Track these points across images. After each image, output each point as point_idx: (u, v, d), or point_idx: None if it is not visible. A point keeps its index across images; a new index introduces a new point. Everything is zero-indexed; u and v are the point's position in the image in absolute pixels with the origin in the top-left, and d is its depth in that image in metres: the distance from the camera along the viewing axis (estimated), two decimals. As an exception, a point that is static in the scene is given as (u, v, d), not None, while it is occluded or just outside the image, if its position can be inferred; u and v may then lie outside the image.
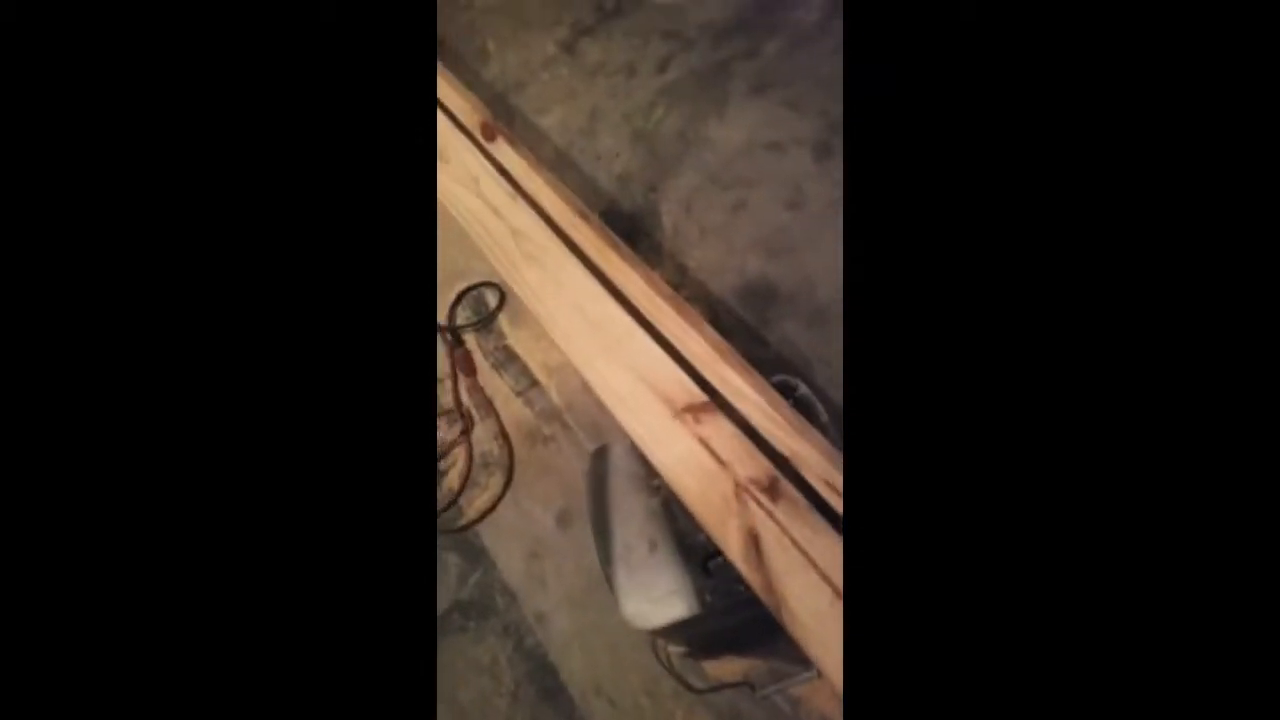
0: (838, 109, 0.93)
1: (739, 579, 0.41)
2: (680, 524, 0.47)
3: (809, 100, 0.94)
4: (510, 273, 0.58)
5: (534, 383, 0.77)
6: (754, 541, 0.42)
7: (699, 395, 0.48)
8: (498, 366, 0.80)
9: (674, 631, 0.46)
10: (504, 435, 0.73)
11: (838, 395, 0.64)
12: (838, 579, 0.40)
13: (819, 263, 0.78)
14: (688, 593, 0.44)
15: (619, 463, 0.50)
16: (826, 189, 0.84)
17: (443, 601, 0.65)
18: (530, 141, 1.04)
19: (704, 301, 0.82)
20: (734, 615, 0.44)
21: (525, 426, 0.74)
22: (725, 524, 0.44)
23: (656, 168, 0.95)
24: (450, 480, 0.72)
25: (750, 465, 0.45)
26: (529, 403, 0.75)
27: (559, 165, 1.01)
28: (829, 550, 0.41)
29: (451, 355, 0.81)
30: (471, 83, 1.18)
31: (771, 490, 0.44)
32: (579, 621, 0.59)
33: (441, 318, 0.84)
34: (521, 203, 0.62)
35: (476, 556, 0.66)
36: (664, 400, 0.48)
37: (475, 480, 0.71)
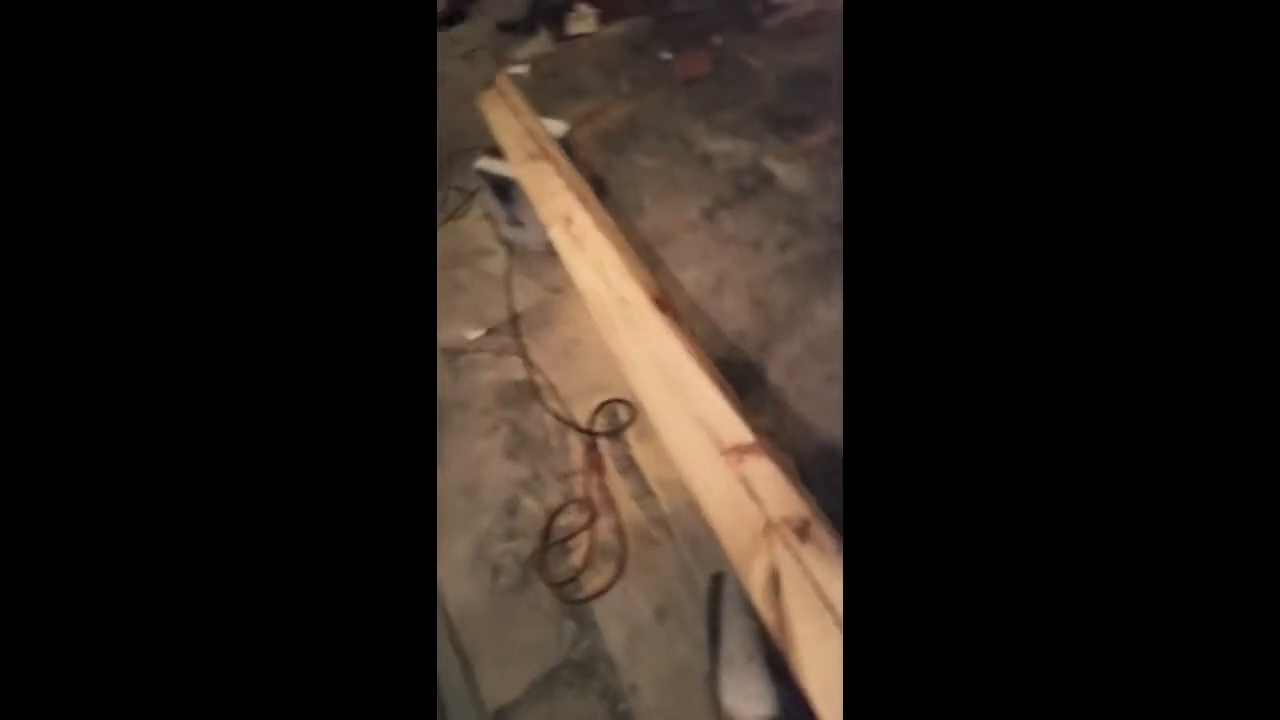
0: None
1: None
2: (772, 645, 0.64)
3: (903, 299, 1.15)
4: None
5: (649, 492, 0.97)
6: (775, 579, 0.44)
7: (746, 436, 0.52)
8: (622, 471, 1.00)
9: (753, 724, 0.62)
10: (621, 531, 0.92)
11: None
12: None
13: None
14: (771, 699, 0.60)
15: (731, 589, 0.68)
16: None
17: (555, 659, 0.82)
18: (670, 287, 1.30)
19: (793, 452, 1.00)
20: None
21: (638, 527, 0.93)
22: (751, 559, 0.45)
23: (768, 332, 1.17)
24: (575, 559, 0.91)
25: (784, 505, 0.47)
26: (643, 508, 0.95)
27: (690, 315, 1.25)
28: (833, 569, 0.42)
29: (587, 454, 1.02)
30: (628, 230, 1.48)
31: (801, 531, 0.46)
32: (663, 698, 0.75)
33: (584, 423, 1.06)
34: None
35: (588, 628, 0.84)
36: (713, 440, 0.53)
37: (594, 564, 0.90)
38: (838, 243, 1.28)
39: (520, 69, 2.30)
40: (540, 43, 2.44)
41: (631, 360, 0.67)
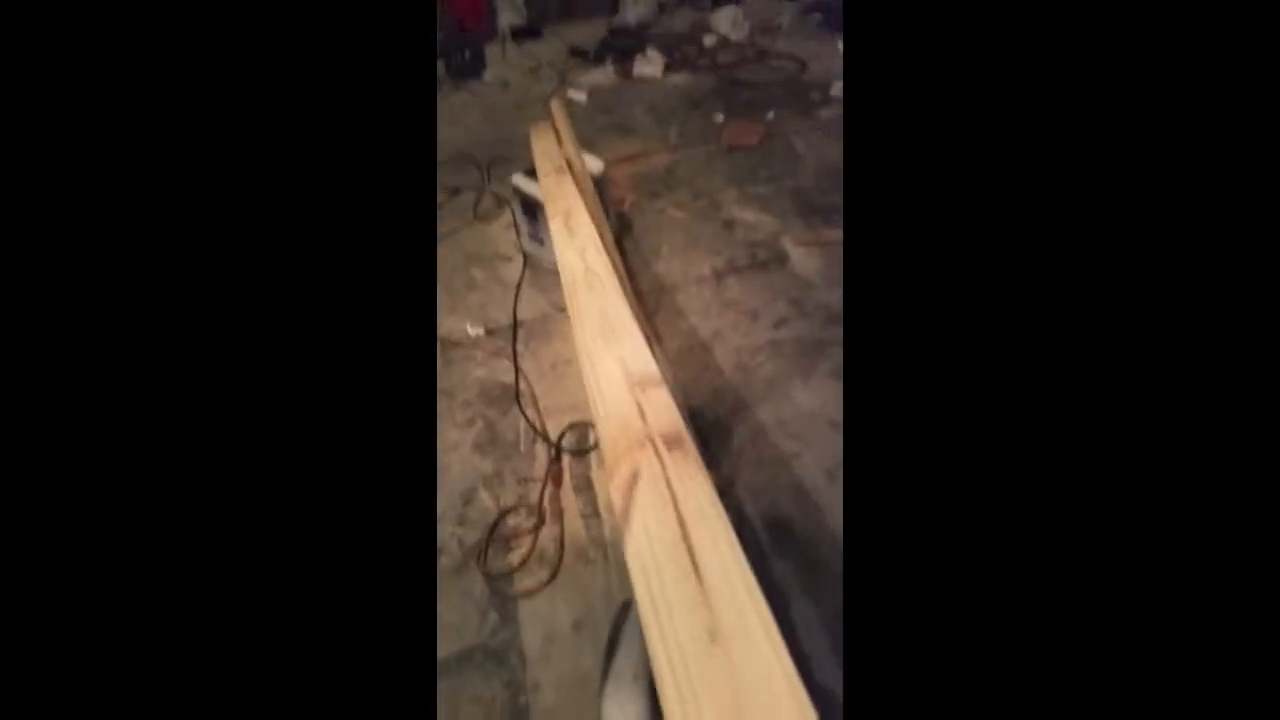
0: (890, 413, 1.21)
1: None
2: (663, 669, 0.71)
3: (871, 398, 1.24)
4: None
5: (596, 513, 1.04)
6: (635, 476, 0.49)
7: (655, 375, 0.61)
8: (577, 489, 1.08)
9: (627, 739, 0.68)
10: (562, 543, 0.99)
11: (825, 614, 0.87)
12: (689, 515, 0.46)
13: (828, 526, 1.03)
14: (648, 716, 0.67)
15: (637, 615, 0.75)
16: (856, 472, 1.11)
17: (473, 641, 0.88)
18: (666, 332, 1.39)
19: (734, 513, 1.07)
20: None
21: (578, 544, 1.00)
22: (620, 462, 0.51)
23: (744, 397, 1.25)
24: (513, 558, 0.97)
25: (666, 427, 0.53)
26: (588, 527, 1.02)
27: (678, 360, 1.34)
28: (695, 491, 0.47)
29: (549, 466, 1.10)
30: (640, 270, 1.58)
31: (671, 442, 0.52)
32: (560, 702, 0.81)
33: (553, 436, 1.14)
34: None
35: (510, 622, 0.90)
36: (626, 374, 0.61)
37: (529, 567, 0.96)
38: (828, 333, 1.38)
39: (580, 95, 2.44)
40: (605, 75, 2.58)
41: (581, 312, 0.78)
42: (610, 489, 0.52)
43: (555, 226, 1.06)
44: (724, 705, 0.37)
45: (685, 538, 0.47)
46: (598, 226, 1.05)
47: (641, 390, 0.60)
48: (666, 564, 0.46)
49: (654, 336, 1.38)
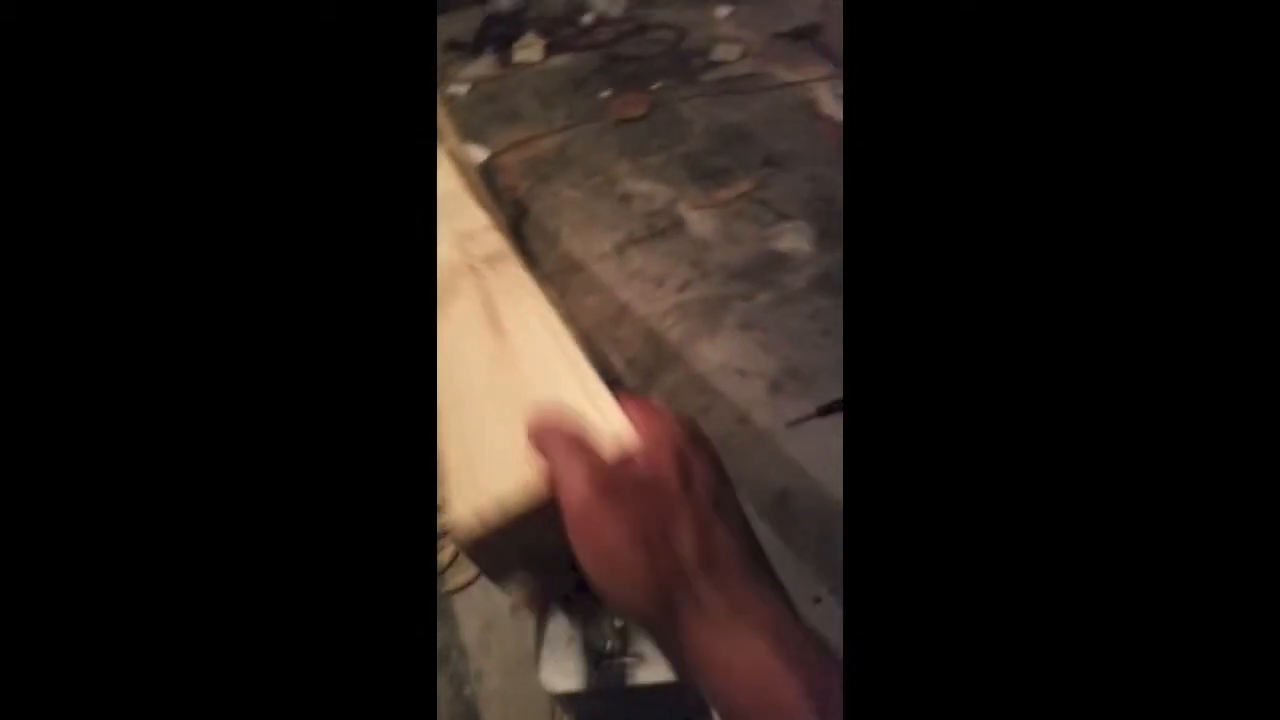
0: (797, 356, 1.27)
1: (623, 681, 0.65)
2: (593, 637, 0.72)
3: (777, 345, 1.29)
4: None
5: (523, 500, 1.04)
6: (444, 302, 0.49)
7: (483, 222, 0.60)
8: (500, 479, 1.08)
9: (567, 702, 0.70)
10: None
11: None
12: (498, 304, 0.46)
13: (747, 467, 1.07)
14: (582, 675, 0.68)
15: (565, 579, 0.77)
16: (768, 416, 1.15)
17: (411, 646, 0.88)
18: (571, 314, 1.39)
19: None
20: (611, 700, 0.68)
21: (507, 531, 1.00)
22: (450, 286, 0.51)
23: (655, 362, 1.28)
24: (442, 558, 0.97)
25: (489, 248, 0.53)
26: (515, 514, 1.02)
27: (590, 338, 1.35)
28: (510, 278, 0.49)
29: (470, 461, 1.09)
30: (543, 254, 1.57)
31: (495, 259, 0.53)
32: (505, 685, 0.82)
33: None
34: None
35: (446, 619, 0.90)
36: (457, 233, 0.59)
37: (459, 563, 0.96)
38: (730, 289, 1.42)
39: (460, 89, 2.38)
40: (485, 65, 2.53)
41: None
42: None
43: None
44: (502, 404, 0.37)
45: (489, 305, 0.47)
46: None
47: (469, 238, 0.58)
48: (467, 326, 0.46)
49: (565, 317, 1.38)
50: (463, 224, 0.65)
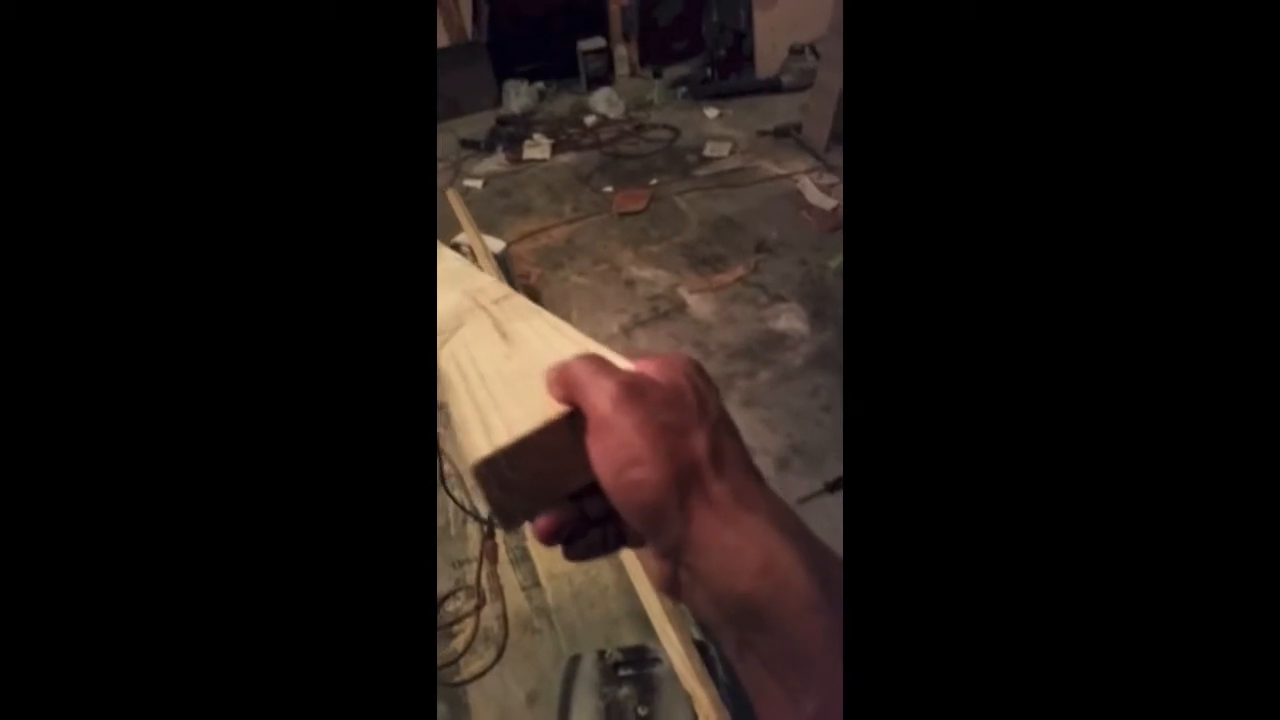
0: (801, 433, 1.31)
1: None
2: (614, 721, 0.72)
3: (781, 422, 1.33)
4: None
5: (538, 583, 1.04)
6: (458, 328, 0.48)
7: (492, 281, 0.58)
8: (514, 562, 1.08)
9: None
10: (505, 619, 0.99)
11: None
12: (510, 326, 0.43)
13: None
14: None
15: (586, 670, 0.77)
16: (778, 492, 1.17)
17: (424, 741, 0.86)
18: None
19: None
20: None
21: (522, 616, 1.00)
22: (447, 327, 0.48)
23: (664, 441, 1.31)
24: (457, 643, 0.96)
25: (496, 292, 0.50)
26: (530, 598, 1.02)
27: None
28: (517, 309, 0.45)
29: (483, 544, 1.10)
30: (552, 337, 1.64)
31: (501, 299, 0.49)
32: (522, 783, 0.80)
33: (484, 514, 1.14)
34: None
35: (460, 710, 0.88)
36: (467, 291, 0.57)
37: (475, 649, 0.95)
38: (732, 367, 1.48)
39: (476, 183, 2.54)
40: (497, 162, 2.72)
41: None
42: (439, 352, 0.50)
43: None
44: (512, 379, 0.36)
45: (498, 326, 0.45)
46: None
47: (479, 291, 0.58)
48: (476, 341, 0.45)
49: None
50: (472, 285, 0.69)
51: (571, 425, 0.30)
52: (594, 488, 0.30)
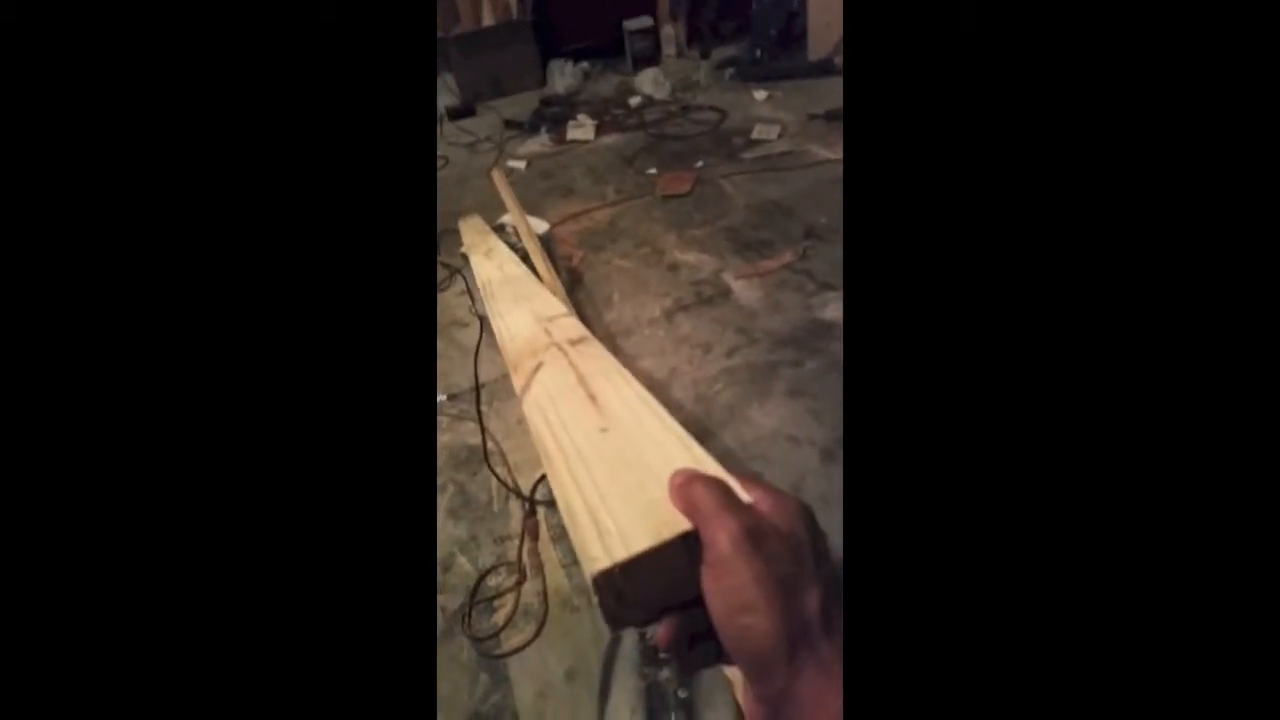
0: (846, 424, 1.27)
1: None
2: (657, 710, 0.71)
3: (827, 413, 1.30)
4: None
5: (577, 561, 1.04)
6: (538, 367, 0.50)
7: (563, 311, 0.65)
8: (555, 539, 1.08)
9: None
10: (545, 596, 0.99)
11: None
12: (588, 372, 0.46)
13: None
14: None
15: (626, 649, 0.76)
16: (823, 484, 1.15)
17: (466, 709, 0.87)
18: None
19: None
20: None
21: (561, 594, 1.00)
22: (524, 361, 0.52)
23: (707, 427, 1.30)
24: (498, 617, 0.97)
25: (572, 333, 0.55)
26: (569, 576, 1.02)
27: (638, 401, 1.38)
28: (597, 358, 0.48)
29: (525, 520, 1.10)
30: (595, 318, 1.63)
31: (577, 341, 0.53)
32: (561, 757, 0.80)
33: (526, 491, 1.15)
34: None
35: (501, 682, 0.89)
36: (535, 314, 0.65)
37: (515, 624, 0.96)
38: (776, 355, 1.45)
39: (519, 164, 2.54)
40: (540, 143, 2.71)
41: (495, 297, 0.88)
42: (514, 381, 0.54)
43: (477, 260, 1.15)
44: (615, 466, 0.37)
45: (583, 382, 0.48)
46: (549, 277, 1.10)
47: (549, 321, 0.63)
48: (562, 397, 0.47)
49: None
50: (541, 309, 0.71)
51: (685, 542, 0.30)
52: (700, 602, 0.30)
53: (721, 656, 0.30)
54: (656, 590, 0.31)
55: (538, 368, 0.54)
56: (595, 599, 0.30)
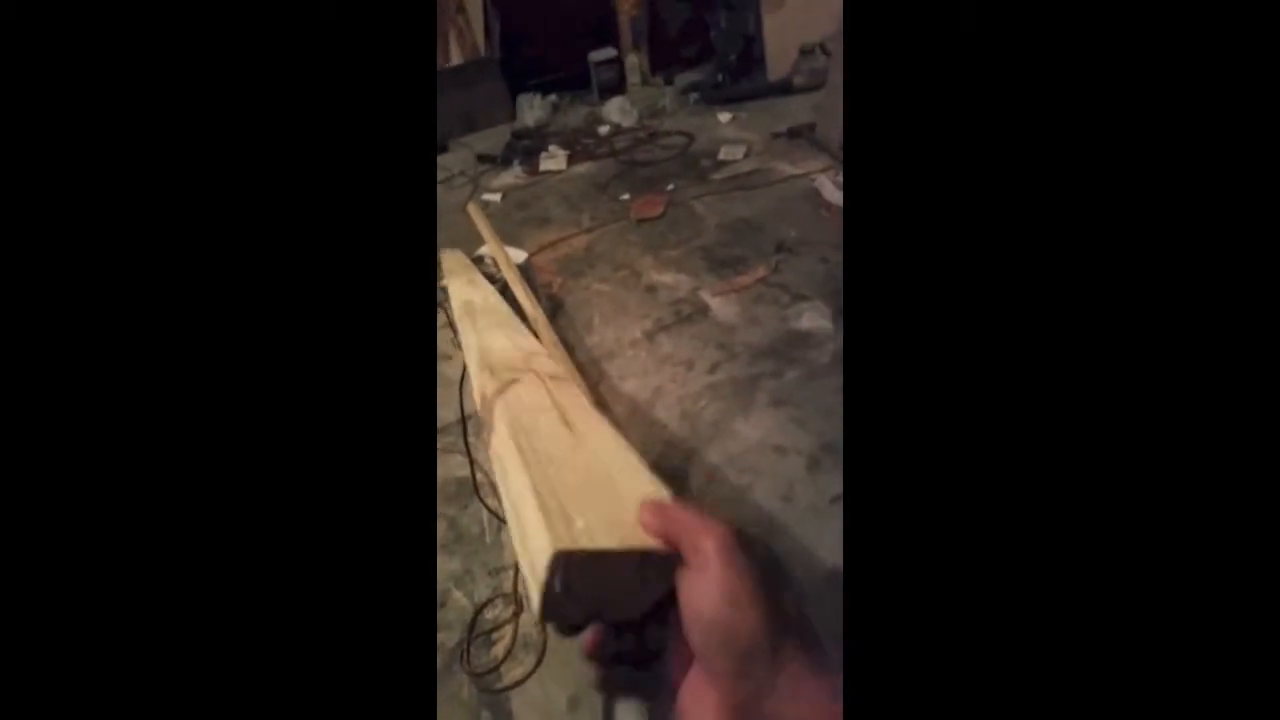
0: (831, 431, 1.29)
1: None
2: (660, 722, 0.71)
3: (810, 420, 1.32)
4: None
5: (573, 587, 1.04)
6: (514, 381, 0.51)
7: (540, 349, 0.65)
8: (549, 568, 1.08)
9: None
10: (544, 625, 0.99)
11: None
12: (572, 415, 0.47)
13: (795, 547, 1.07)
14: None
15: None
16: (811, 492, 1.16)
17: (469, 748, 0.86)
18: (611, 399, 1.44)
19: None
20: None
21: (560, 621, 1.00)
22: (499, 372, 0.53)
23: (694, 443, 1.31)
24: (497, 650, 0.96)
25: (551, 369, 0.56)
26: (566, 602, 1.02)
27: (628, 422, 1.39)
28: (573, 394, 0.49)
29: (518, 550, 1.10)
30: (578, 343, 1.64)
31: (555, 378, 0.54)
32: (569, 788, 0.79)
33: (518, 520, 1.15)
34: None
35: (504, 717, 0.88)
36: (516, 345, 0.66)
37: (515, 656, 0.95)
38: (757, 367, 1.47)
39: (494, 196, 2.57)
40: (514, 175, 2.75)
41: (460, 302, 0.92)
42: (479, 380, 0.54)
43: (455, 288, 1.17)
44: (585, 478, 0.37)
45: (558, 407, 0.48)
46: (531, 308, 1.12)
47: (530, 355, 0.64)
48: (537, 411, 0.48)
49: (601, 404, 1.43)
50: (522, 341, 0.73)
51: (644, 560, 0.31)
52: (637, 626, 0.31)
53: (639, 687, 0.32)
54: (602, 596, 0.31)
55: (513, 381, 0.56)
56: (539, 578, 0.30)
